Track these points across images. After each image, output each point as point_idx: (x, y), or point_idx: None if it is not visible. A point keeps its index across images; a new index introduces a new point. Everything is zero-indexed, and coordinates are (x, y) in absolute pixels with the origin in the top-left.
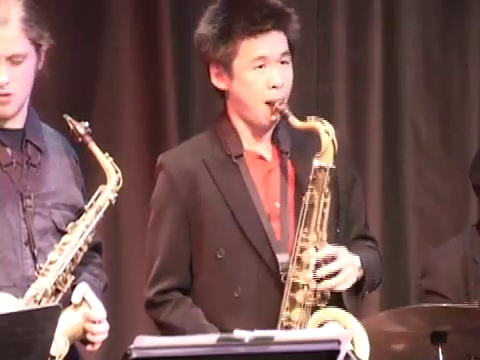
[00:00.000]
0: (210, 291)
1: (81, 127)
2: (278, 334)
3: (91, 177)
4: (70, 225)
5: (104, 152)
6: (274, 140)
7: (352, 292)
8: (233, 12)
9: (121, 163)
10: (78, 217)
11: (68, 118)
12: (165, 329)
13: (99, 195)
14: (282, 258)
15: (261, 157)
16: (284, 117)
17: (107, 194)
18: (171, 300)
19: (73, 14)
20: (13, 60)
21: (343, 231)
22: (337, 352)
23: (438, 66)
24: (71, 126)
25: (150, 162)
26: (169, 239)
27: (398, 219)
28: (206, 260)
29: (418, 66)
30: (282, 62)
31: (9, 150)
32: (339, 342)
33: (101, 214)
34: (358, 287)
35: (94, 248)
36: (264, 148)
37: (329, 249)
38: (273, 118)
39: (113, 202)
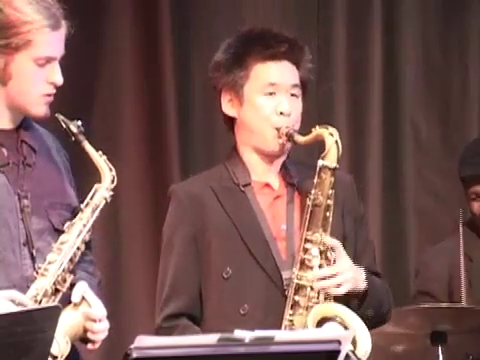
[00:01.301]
0: (217, 312)
1: (74, 126)
2: (278, 334)
3: (85, 176)
4: (67, 224)
5: (103, 152)
6: (282, 173)
7: (355, 305)
8: (249, 41)
9: (121, 163)
10: (74, 216)
11: (60, 117)
12: None
13: (94, 193)
14: (287, 275)
15: (268, 185)
16: (289, 137)
17: (102, 192)
18: (177, 326)
19: (73, 14)
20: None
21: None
22: (337, 352)
23: (438, 66)
24: (64, 125)
25: (150, 162)
26: (178, 260)
27: (398, 219)
28: (214, 281)
29: (418, 66)
30: (292, 94)
31: (5, 150)
32: (339, 342)
33: (97, 213)
34: (360, 300)
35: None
36: (272, 179)
37: (334, 240)
38: (280, 141)
39: (108, 200)
